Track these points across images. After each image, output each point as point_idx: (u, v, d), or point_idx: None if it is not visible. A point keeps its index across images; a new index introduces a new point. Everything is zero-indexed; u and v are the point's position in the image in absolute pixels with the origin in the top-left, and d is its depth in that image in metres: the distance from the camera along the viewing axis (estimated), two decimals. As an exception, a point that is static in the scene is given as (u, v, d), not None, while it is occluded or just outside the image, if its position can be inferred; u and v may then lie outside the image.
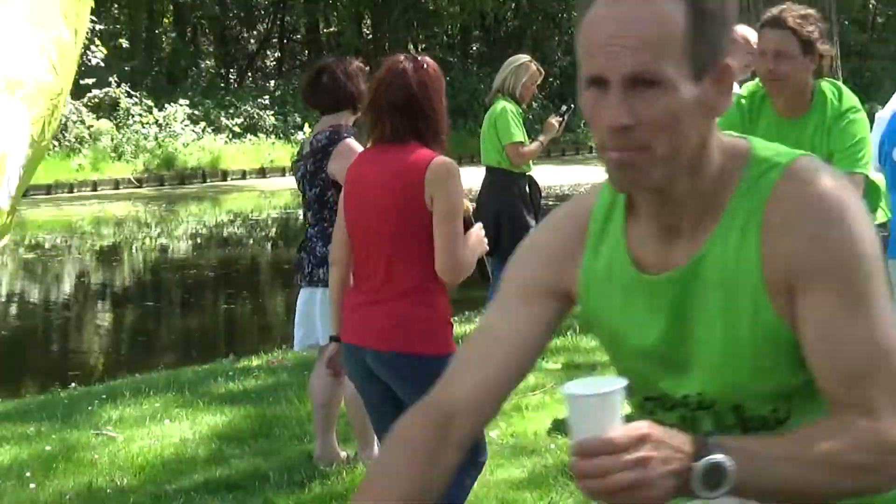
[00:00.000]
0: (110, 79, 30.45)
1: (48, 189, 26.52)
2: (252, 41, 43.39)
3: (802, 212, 1.74)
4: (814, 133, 4.92)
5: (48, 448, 6.45)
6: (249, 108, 33.51)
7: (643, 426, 1.63)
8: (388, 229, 4.15)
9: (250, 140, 31.96)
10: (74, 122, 28.53)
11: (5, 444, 6.65)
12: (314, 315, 5.92)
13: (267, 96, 35.20)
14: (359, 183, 4.27)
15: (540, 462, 5.96)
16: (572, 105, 9.32)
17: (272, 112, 33.88)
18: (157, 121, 30.06)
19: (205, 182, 29.60)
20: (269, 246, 21.09)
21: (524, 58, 8.34)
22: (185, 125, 30.59)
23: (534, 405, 6.96)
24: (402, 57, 4.29)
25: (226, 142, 31.30)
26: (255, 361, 9.39)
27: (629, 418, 1.66)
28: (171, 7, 39.29)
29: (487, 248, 4.34)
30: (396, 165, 4.15)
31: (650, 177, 1.73)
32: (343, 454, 6.00)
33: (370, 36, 42.91)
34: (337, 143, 5.72)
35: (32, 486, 5.83)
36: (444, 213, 4.07)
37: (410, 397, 4.15)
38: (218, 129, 31.73)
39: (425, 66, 4.23)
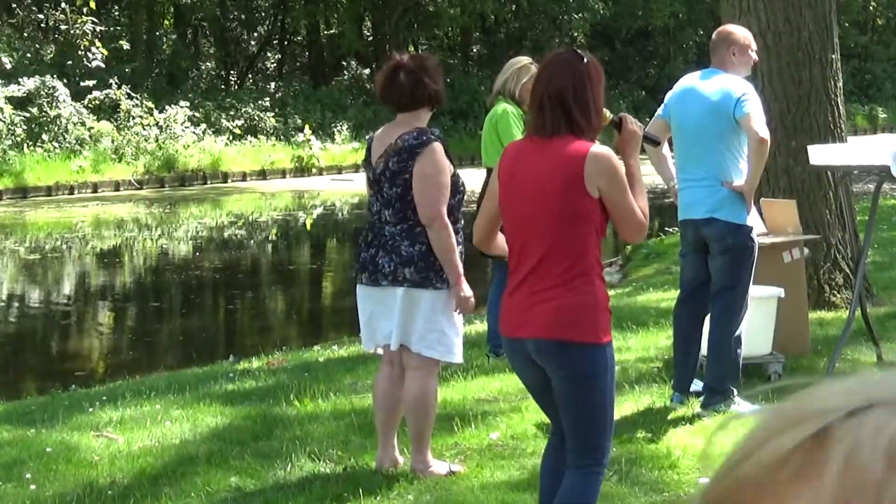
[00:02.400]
0: (111, 80, 30.44)
1: (48, 190, 26.53)
2: (252, 43, 43.39)
3: None
4: None
5: (49, 449, 6.45)
6: (250, 110, 33.51)
7: None
8: (548, 221, 4.22)
9: (251, 142, 31.96)
10: (75, 124, 28.52)
11: (6, 446, 6.65)
12: (392, 312, 5.83)
13: (267, 98, 35.20)
14: (516, 175, 4.34)
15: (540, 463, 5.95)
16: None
17: (273, 114, 33.87)
18: (158, 122, 30.05)
19: (205, 184, 29.60)
20: (269, 248, 21.08)
21: (525, 59, 8.34)
22: (186, 127, 30.57)
23: (534, 406, 6.95)
24: (562, 50, 4.34)
25: (226, 144, 31.29)
26: (256, 363, 9.38)
27: None
28: (172, 9, 39.30)
29: (640, 132, 4.57)
30: (555, 158, 4.22)
31: None
32: (401, 459, 5.99)
33: (371, 37, 42.91)
34: (425, 143, 5.70)
35: (33, 487, 5.83)
36: (615, 197, 4.24)
37: (566, 385, 4.23)
38: (218, 131, 31.72)
39: (585, 59, 4.28)
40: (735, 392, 6.91)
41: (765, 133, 6.69)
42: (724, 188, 6.84)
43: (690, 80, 7.10)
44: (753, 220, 7.05)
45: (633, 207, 4.27)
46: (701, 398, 6.98)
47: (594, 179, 4.18)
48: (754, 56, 7.16)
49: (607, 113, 4.47)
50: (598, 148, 4.25)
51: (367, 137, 6.12)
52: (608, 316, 4.25)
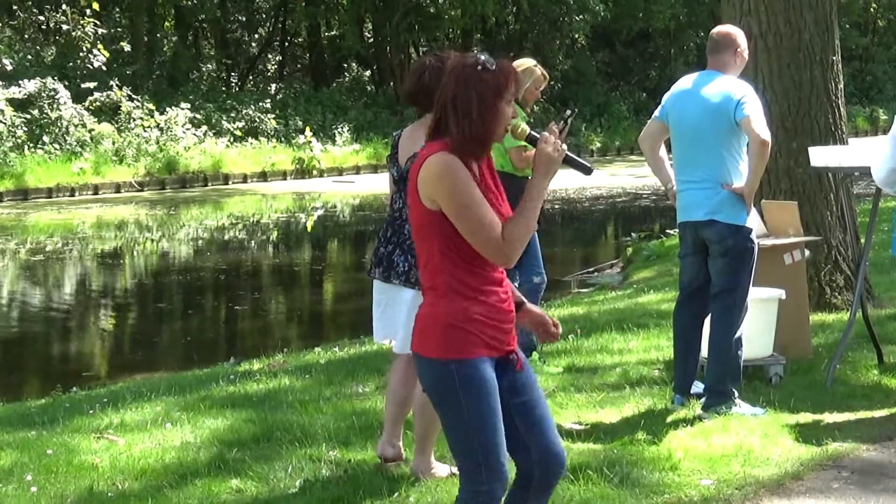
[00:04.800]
0: (112, 82, 30.46)
1: (49, 192, 26.55)
2: (253, 45, 43.39)
3: None
4: None
5: (49, 452, 6.44)
6: (251, 112, 33.52)
7: None
8: (413, 231, 4.18)
9: (251, 144, 31.97)
10: (76, 126, 28.52)
11: (6, 448, 6.64)
12: (398, 312, 5.84)
13: (268, 100, 35.22)
14: None
15: None
16: (575, 109, 9.31)
17: (273, 116, 33.89)
18: (159, 124, 30.06)
19: (206, 186, 29.62)
20: (270, 250, 21.09)
21: (529, 62, 8.32)
22: (187, 129, 30.59)
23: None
24: (459, 55, 4.21)
25: (227, 145, 31.31)
26: (257, 365, 9.38)
27: None
28: (173, 10, 39.30)
29: (560, 153, 4.12)
30: (415, 167, 4.12)
31: None
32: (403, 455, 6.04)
33: (371, 39, 42.92)
34: None
35: (34, 489, 5.82)
36: (449, 209, 3.99)
37: (428, 395, 4.16)
38: (219, 133, 31.74)
39: (479, 66, 4.05)
40: (736, 394, 6.91)
41: (766, 135, 6.69)
42: (723, 190, 6.84)
43: (688, 82, 7.09)
44: (752, 221, 7.05)
45: (477, 224, 3.97)
46: (702, 400, 6.98)
47: (425, 188, 3.99)
48: (746, 58, 7.18)
49: (523, 126, 4.21)
50: (436, 156, 3.98)
51: (394, 134, 6.16)
52: (459, 334, 4.01)
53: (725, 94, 6.81)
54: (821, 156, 8.03)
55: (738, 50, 7.01)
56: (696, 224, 6.96)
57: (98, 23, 32.81)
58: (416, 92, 5.86)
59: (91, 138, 28.61)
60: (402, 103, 35.19)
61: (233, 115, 33.12)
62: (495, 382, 4.06)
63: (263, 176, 30.88)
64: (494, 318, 4.08)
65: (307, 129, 32.58)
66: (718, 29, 7.24)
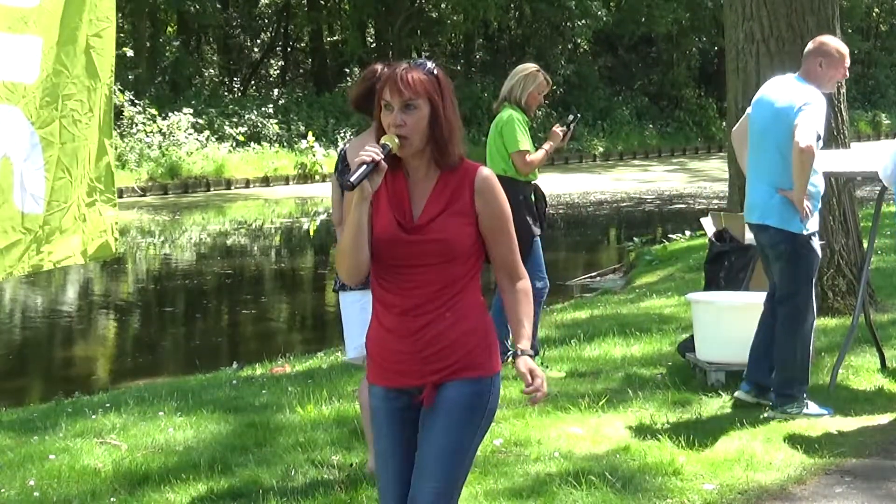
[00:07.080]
0: (114, 87, 30.48)
1: (52, 197, 26.55)
2: (256, 50, 43.43)
3: None
4: None
5: (52, 457, 6.44)
6: (253, 117, 33.53)
7: None
8: None
9: (254, 149, 31.98)
10: (78, 131, 28.53)
11: (9, 453, 6.65)
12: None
13: (270, 105, 35.22)
14: None
15: (544, 470, 5.95)
16: (578, 115, 9.32)
17: (276, 121, 33.89)
18: (161, 129, 30.07)
19: (209, 191, 29.62)
20: (272, 254, 21.09)
21: (532, 67, 8.33)
22: (189, 134, 30.60)
23: (538, 414, 6.96)
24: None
25: (229, 150, 31.31)
26: (259, 370, 9.38)
27: None
28: (175, 15, 39.33)
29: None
30: None
31: None
32: None
33: (374, 44, 42.94)
34: None
35: (36, 494, 5.83)
36: None
37: None
38: (222, 138, 31.74)
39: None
40: (805, 395, 6.92)
41: (804, 141, 6.62)
42: (778, 195, 6.84)
43: (767, 86, 7.16)
44: (814, 224, 6.97)
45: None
46: (737, 393, 7.09)
47: None
48: (845, 72, 7.10)
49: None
50: None
51: (339, 150, 6.16)
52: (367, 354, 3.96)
53: (790, 99, 6.82)
54: (823, 160, 8.02)
55: (821, 60, 6.95)
56: (753, 226, 7.06)
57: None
58: (368, 100, 5.84)
59: (93, 143, 28.62)
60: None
61: (235, 119, 33.13)
62: (388, 413, 3.88)
63: (266, 181, 30.89)
64: (386, 346, 3.83)
65: (310, 133, 32.59)
66: (817, 38, 7.22)
